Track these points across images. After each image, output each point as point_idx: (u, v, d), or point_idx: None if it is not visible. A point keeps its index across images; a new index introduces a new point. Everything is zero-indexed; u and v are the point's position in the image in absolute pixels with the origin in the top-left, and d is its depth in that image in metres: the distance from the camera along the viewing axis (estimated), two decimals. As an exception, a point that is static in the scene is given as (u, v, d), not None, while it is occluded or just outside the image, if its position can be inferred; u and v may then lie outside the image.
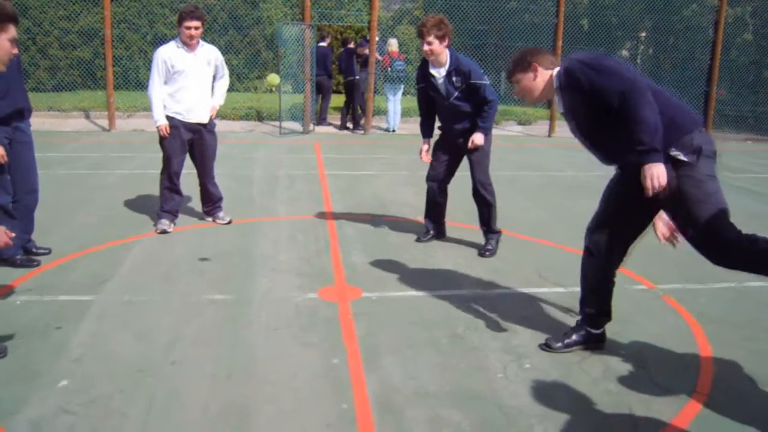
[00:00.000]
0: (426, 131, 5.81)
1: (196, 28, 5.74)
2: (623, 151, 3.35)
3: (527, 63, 3.55)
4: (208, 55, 5.98)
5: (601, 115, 3.35)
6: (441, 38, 5.27)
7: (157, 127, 5.88)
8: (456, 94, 5.40)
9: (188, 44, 5.81)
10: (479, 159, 5.56)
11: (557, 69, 3.55)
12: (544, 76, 3.56)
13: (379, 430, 2.97)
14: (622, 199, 3.57)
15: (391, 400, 3.22)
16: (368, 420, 3.04)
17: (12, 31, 3.32)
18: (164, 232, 5.93)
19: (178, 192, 6.10)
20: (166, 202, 6.04)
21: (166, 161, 5.98)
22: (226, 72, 6.22)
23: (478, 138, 5.43)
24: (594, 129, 3.50)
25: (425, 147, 5.80)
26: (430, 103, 5.66)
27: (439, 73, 5.43)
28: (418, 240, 5.92)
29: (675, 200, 3.29)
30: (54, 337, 3.81)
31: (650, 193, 3.21)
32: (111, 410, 3.06)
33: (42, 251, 5.19)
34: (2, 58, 3.28)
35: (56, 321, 4.02)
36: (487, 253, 5.56)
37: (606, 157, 3.59)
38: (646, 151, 3.16)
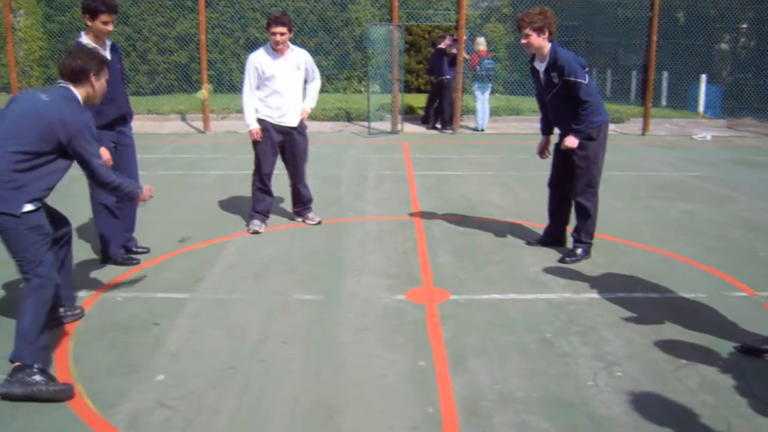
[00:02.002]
0: (542, 127, 5.62)
1: (282, 34, 5.82)
2: None
3: None
4: (298, 59, 6.06)
5: None
6: (539, 30, 5.02)
7: (249, 131, 6.04)
8: (554, 90, 5.16)
9: (276, 49, 5.92)
10: (582, 165, 5.24)
11: None
12: None
13: (465, 434, 2.95)
14: None
15: (477, 404, 3.20)
16: (454, 424, 3.03)
17: (106, 74, 3.70)
18: (256, 232, 6.08)
19: (269, 193, 6.24)
20: (257, 203, 6.20)
21: (258, 163, 6.13)
22: (318, 75, 6.28)
23: (568, 141, 5.17)
24: None
25: (541, 144, 5.62)
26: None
27: (540, 68, 5.20)
28: (528, 243, 5.77)
29: None
30: (152, 332, 3.98)
31: None
32: (204, 405, 3.17)
33: (141, 250, 5.43)
34: (100, 96, 3.70)
35: (154, 317, 4.20)
36: (568, 259, 5.30)
37: None
38: None
